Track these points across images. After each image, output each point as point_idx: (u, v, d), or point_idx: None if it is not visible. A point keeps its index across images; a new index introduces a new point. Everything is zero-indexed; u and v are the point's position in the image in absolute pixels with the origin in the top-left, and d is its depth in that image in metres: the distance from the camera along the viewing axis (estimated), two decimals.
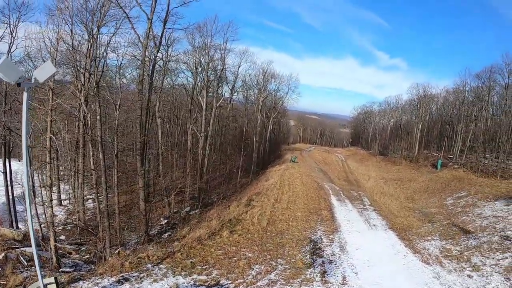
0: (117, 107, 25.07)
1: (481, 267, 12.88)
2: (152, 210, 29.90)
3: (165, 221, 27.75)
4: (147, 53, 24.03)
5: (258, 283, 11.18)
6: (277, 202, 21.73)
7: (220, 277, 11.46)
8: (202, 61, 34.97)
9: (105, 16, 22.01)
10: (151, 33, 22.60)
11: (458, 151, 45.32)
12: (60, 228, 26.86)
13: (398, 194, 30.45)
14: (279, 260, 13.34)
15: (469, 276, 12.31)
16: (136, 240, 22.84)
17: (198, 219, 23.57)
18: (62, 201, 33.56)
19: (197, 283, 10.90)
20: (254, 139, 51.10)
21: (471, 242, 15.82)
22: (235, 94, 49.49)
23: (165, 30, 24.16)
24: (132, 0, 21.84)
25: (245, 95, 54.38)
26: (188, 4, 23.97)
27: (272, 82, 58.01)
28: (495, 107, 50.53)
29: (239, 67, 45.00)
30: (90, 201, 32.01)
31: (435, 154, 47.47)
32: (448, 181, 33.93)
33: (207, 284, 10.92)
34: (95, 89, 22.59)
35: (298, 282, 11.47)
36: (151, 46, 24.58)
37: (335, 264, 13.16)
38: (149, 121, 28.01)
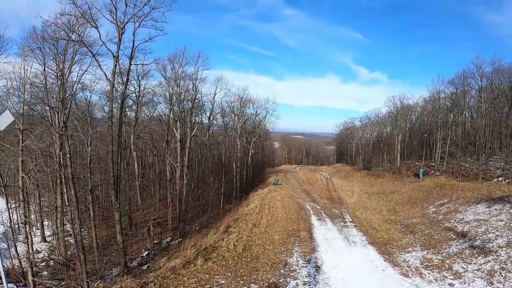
0: (88, 143, 25.52)
1: (463, 274, 12.57)
2: (135, 242, 30.52)
3: (146, 252, 27.94)
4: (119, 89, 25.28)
5: None
6: (255, 227, 21.17)
7: None
8: (175, 92, 35.23)
9: (75, 55, 23.42)
10: (117, 70, 23.04)
11: (439, 158, 45.65)
12: (43, 264, 27.68)
13: (380, 208, 30.13)
14: (252, 285, 12.77)
15: (450, 285, 11.94)
16: (116, 273, 22.98)
17: (176, 249, 23.04)
18: (46, 238, 33.73)
19: None
20: (235, 165, 51.02)
21: (452, 249, 15.53)
22: (215, 121, 50.11)
23: (131, 66, 24.64)
24: (98, 40, 22.40)
25: (224, 121, 55.17)
26: (154, 39, 24.40)
27: (250, 106, 59.20)
28: (473, 111, 51.62)
29: (214, 94, 46.64)
30: (72, 236, 31.74)
31: (417, 164, 47.76)
32: (430, 189, 33.92)
33: None
34: (63, 128, 23.14)
35: None
36: (118, 82, 25.37)
37: (309, 285, 12.63)
38: (124, 154, 28.12)
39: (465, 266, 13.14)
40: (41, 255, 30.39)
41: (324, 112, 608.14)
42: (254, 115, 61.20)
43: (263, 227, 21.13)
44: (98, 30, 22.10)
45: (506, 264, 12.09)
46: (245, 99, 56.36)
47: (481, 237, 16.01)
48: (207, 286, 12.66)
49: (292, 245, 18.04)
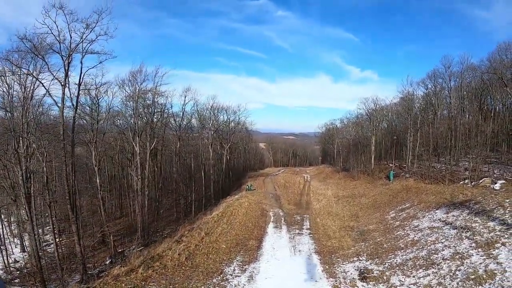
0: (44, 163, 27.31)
1: (398, 287, 12.48)
2: (103, 251, 32.16)
3: (109, 260, 28.50)
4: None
5: None
6: (207, 236, 21.31)
7: None
8: (133, 108, 36.36)
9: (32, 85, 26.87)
10: (66, 96, 24.91)
11: (409, 160, 45.47)
12: (18, 272, 29.85)
13: (344, 213, 30.27)
14: None
15: None
16: (78, 280, 24.47)
17: (133, 257, 23.42)
18: (26, 247, 34.91)
19: None
20: (208, 172, 51.92)
21: (396, 260, 15.47)
22: (188, 130, 50.81)
23: (80, 92, 26.53)
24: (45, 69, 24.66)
25: (195, 130, 56.15)
26: (101, 64, 26.60)
27: (223, 114, 61.10)
28: (444, 111, 50.81)
29: (184, 105, 48.23)
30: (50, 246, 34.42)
31: (391, 165, 47.63)
32: (396, 192, 34.01)
33: None
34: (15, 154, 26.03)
35: None
36: (68, 107, 27.35)
37: None
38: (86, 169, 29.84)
39: (403, 279, 13.02)
40: (18, 265, 31.91)
41: (316, 111, 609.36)
42: (228, 122, 62.14)
43: (215, 236, 21.29)
44: (46, 62, 24.13)
45: (444, 279, 11.82)
46: (215, 107, 57.74)
47: (429, 247, 15.83)
48: None
49: (236, 254, 18.23)
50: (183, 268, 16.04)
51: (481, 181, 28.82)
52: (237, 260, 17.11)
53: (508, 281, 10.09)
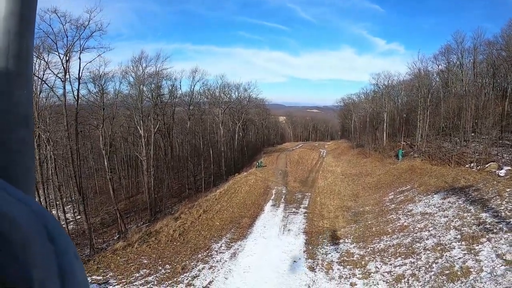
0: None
1: (372, 274, 12.81)
2: (115, 227, 34.43)
3: (117, 236, 30.54)
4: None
5: (136, 282, 13.12)
6: (205, 213, 22.57)
7: (111, 277, 13.60)
8: (138, 93, 38.19)
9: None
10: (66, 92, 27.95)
11: (419, 138, 44.47)
12: None
13: (346, 192, 30.60)
14: (166, 266, 14.81)
15: (352, 284, 12.38)
16: (87, 254, 25.88)
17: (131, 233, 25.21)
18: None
19: (92, 281, 13.12)
20: (217, 150, 53.85)
21: (380, 245, 15.63)
22: (200, 109, 52.37)
23: (80, 85, 29.38)
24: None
25: (208, 110, 58.08)
26: (100, 57, 31.25)
27: (234, 92, 62.18)
28: (457, 89, 48.23)
29: (194, 86, 49.66)
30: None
31: (403, 143, 46.82)
32: (400, 173, 33.72)
33: (99, 281, 13.17)
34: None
35: (167, 284, 12.99)
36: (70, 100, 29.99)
37: (213, 270, 14.13)
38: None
39: (379, 266, 13.31)
40: None
41: (340, 84, 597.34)
42: (239, 100, 62.54)
43: (212, 213, 22.54)
44: (46, 62, 26.68)
45: (419, 270, 11.94)
46: (225, 85, 58.88)
47: (415, 235, 15.78)
48: (131, 263, 15.05)
49: (227, 231, 19.41)
50: (175, 243, 17.48)
51: (487, 165, 27.66)
52: (226, 237, 18.26)
53: (481, 282, 9.87)
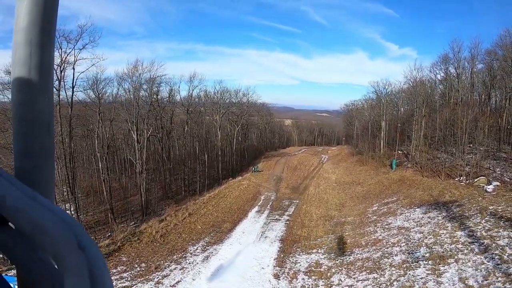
0: None
1: (334, 287, 13.23)
2: (107, 227, 35.02)
3: (109, 234, 31.00)
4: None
5: (111, 277, 13.72)
6: (190, 216, 23.50)
7: None
8: (132, 99, 39.70)
9: None
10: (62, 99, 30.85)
11: (413, 149, 44.24)
12: None
13: (333, 201, 30.96)
14: (142, 264, 15.91)
15: None
16: None
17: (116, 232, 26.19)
18: None
19: None
20: (215, 154, 54.97)
21: (349, 258, 15.95)
22: (198, 114, 54.90)
23: (74, 93, 32.10)
24: None
25: (206, 113, 59.12)
26: (87, 70, 33.65)
27: (233, 96, 63.19)
28: (453, 100, 47.52)
29: (192, 91, 51.20)
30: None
31: (399, 152, 46.88)
32: (391, 183, 33.95)
33: None
34: None
35: (138, 280, 14.01)
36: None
37: (183, 271, 14.96)
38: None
39: (342, 279, 13.69)
40: None
41: (351, 88, 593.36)
42: (238, 104, 63.34)
43: (196, 217, 23.54)
44: None
45: (379, 287, 12.14)
46: (222, 91, 59.37)
47: (386, 249, 15.86)
48: (111, 259, 16.13)
49: (206, 235, 20.35)
50: (155, 244, 18.51)
51: (476, 180, 27.25)
52: (204, 241, 19.17)
53: None
